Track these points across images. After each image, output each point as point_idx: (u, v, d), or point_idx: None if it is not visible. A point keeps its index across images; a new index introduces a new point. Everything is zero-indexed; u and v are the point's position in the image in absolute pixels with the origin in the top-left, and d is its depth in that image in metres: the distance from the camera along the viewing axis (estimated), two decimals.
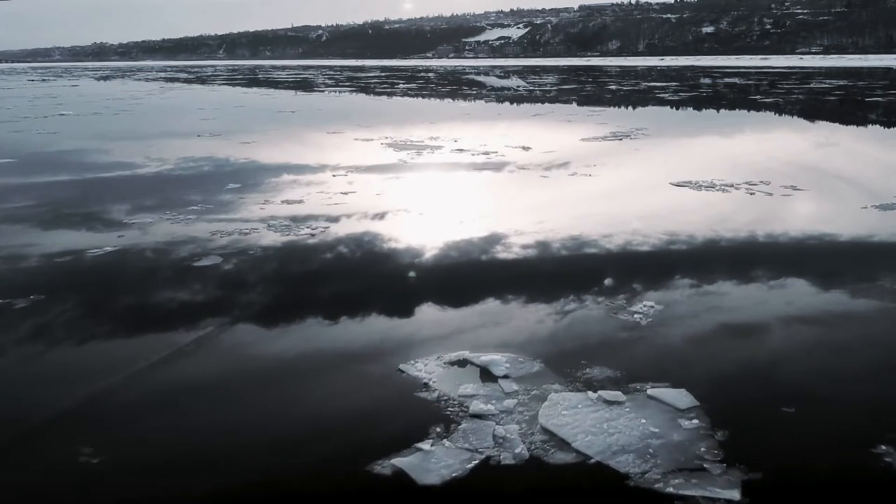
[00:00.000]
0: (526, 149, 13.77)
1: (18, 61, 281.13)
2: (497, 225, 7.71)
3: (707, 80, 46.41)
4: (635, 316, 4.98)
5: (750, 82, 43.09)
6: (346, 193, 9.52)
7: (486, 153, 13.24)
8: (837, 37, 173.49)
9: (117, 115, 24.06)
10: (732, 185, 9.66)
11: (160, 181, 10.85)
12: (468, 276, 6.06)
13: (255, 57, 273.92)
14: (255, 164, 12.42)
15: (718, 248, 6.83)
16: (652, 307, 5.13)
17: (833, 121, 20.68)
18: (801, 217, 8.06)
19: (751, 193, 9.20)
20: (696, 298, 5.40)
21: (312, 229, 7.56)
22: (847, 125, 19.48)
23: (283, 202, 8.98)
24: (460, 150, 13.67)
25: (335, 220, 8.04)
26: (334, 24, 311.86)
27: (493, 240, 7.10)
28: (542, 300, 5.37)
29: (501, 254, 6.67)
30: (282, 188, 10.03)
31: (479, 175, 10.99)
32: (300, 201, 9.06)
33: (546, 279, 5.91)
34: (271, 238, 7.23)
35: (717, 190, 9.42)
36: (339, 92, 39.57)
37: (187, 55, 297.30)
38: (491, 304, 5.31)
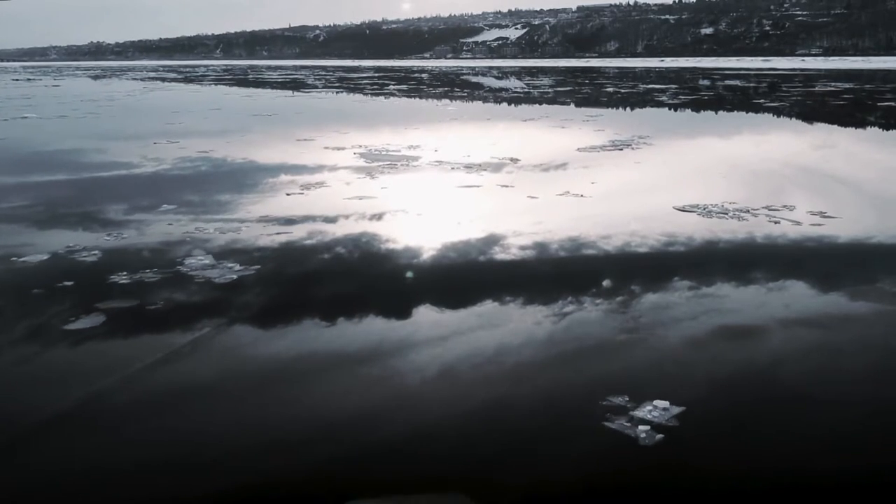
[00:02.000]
0: (514, 160, 12.27)
1: (14, 60, 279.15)
2: (466, 268, 6.21)
3: (708, 83, 44.92)
4: (639, 430, 3.46)
5: (753, 85, 41.61)
6: (289, 222, 8.00)
7: (468, 165, 11.74)
8: (837, 38, 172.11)
9: (82, 119, 22.52)
10: (749, 211, 8.15)
11: (77, 193, 9.32)
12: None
13: (252, 57, 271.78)
14: (197, 178, 10.91)
15: (748, 314, 5.31)
16: (665, 411, 3.63)
17: (848, 126, 19.18)
18: (845, 265, 6.56)
19: (774, 222, 7.69)
20: (726, 403, 3.86)
21: (236, 273, 6.04)
22: (865, 130, 18.03)
23: (216, 230, 7.45)
24: (439, 162, 12.16)
25: (270, 255, 6.52)
26: (332, 25, 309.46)
27: (462, 287, 5.60)
28: (510, 418, 3.86)
29: (458, 318, 5.15)
30: (215, 210, 8.49)
31: (455, 194, 9.48)
32: (235, 230, 7.54)
33: (516, 365, 4.39)
34: (181, 278, 5.71)
35: (732, 218, 7.91)
36: (326, 93, 38.04)
37: (184, 55, 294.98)
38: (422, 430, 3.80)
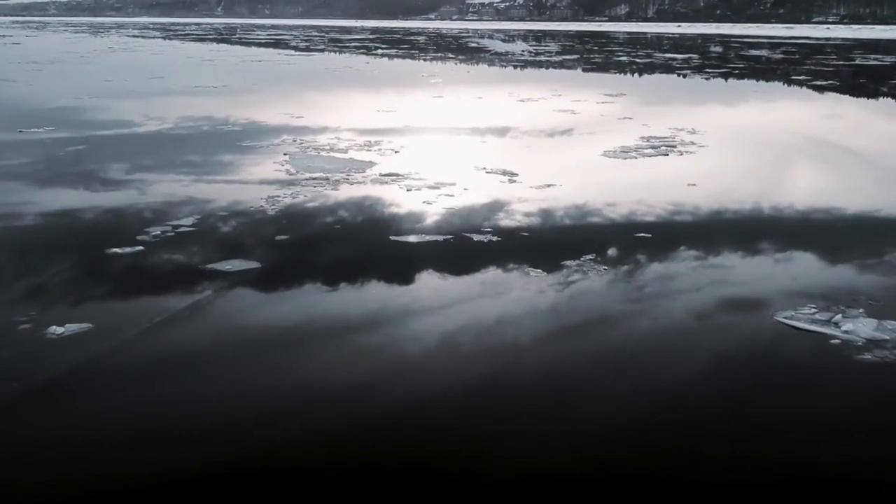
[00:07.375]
0: (511, 178, 8.28)
1: (11, 15, 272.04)
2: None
3: (732, 53, 40.33)
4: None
5: (783, 56, 37.22)
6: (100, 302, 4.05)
7: (437, 186, 7.79)
8: (854, 6, 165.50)
9: None
10: None
11: None
12: None
13: (254, 15, 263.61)
14: (28, 197, 6.88)
15: None
16: None
17: None
18: None
19: None
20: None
21: None
22: None
23: None
24: (394, 179, 8.16)
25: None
26: None
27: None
28: None
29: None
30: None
31: (385, 268, 5.50)
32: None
33: None
34: None
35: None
36: (303, 58, 33.72)
37: (185, 12, 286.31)
38: None
